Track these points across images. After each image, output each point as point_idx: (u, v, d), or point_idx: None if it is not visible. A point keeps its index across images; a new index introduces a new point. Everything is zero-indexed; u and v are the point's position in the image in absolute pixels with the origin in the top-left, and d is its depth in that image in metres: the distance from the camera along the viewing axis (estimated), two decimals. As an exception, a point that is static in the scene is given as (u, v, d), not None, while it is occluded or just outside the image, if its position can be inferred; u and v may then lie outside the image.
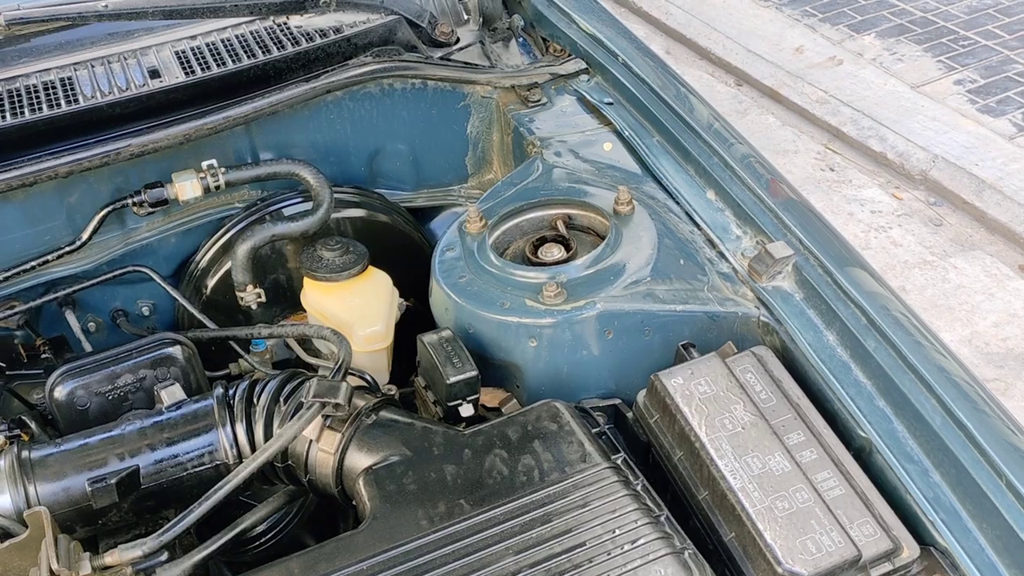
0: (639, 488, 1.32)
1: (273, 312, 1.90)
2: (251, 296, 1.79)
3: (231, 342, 1.78)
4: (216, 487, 1.31)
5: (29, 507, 1.32)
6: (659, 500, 1.33)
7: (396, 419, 1.43)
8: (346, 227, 1.92)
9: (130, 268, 1.81)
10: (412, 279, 1.85)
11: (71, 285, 1.78)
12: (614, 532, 1.26)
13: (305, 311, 1.84)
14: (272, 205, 1.89)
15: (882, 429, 1.36)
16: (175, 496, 1.45)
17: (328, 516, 1.72)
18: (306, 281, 1.77)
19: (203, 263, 1.88)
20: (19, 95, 1.72)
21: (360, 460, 1.38)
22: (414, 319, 1.84)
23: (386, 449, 1.38)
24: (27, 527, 1.26)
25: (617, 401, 1.54)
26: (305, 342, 1.78)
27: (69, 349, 1.80)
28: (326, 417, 1.39)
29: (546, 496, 1.30)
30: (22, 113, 1.69)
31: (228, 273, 1.83)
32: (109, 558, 1.23)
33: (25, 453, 1.38)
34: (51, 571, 1.18)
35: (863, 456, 1.36)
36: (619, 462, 1.36)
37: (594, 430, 1.42)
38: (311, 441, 1.40)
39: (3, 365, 1.71)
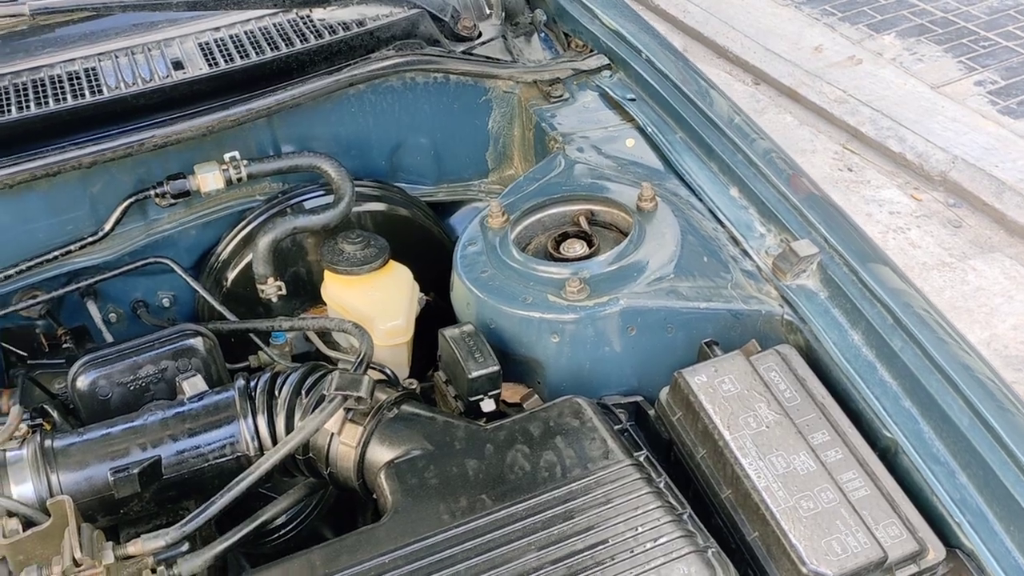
0: (662, 485, 1.32)
1: (293, 305, 1.90)
2: (271, 289, 1.79)
3: (251, 334, 1.78)
4: (238, 479, 1.31)
5: (52, 496, 1.32)
6: (682, 498, 1.32)
7: (418, 413, 1.42)
8: (366, 221, 1.92)
9: (151, 259, 1.81)
10: (432, 274, 1.85)
11: (93, 275, 1.78)
12: (636, 530, 1.25)
13: (325, 304, 1.84)
14: (293, 198, 1.89)
15: (908, 430, 1.35)
16: (196, 487, 1.44)
17: (348, 509, 1.72)
18: (327, 274, 1.77)
19: (224, 255, 1.88)
20: (43, 85, 1.73)
21: (382, 454, 1.37)
22: (434, 314, 1.83)
23: (408, 443, 1.37)
24: (50, 516, 1.27)
25: (639, 398, 1.53)
26: (325, 335, 1.78)
27: (90, 339, 1.80)
28: (348, 410, 1.39)
29: (568, 492, 1.29)
30: (47, 103, 1.69)
31: (249, 265, 1.83)
32: (132, 548, 1.23)
33: (48, 442, 1.38)
34: (74, 560, 1.18)
35: (888, 457, 1.35)
36: (641, 459, 1.36)
37: (616, 427, 1.42)
38: (333, 434, 1.39)
39: (25, 354, 1.72)
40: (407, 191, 2.03)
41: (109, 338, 1.79)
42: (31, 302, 1.72)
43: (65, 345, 1.75)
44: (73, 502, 1.24)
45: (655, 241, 1.60)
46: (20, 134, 1.65)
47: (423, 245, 1.96)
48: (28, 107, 1.67)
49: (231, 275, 1.86)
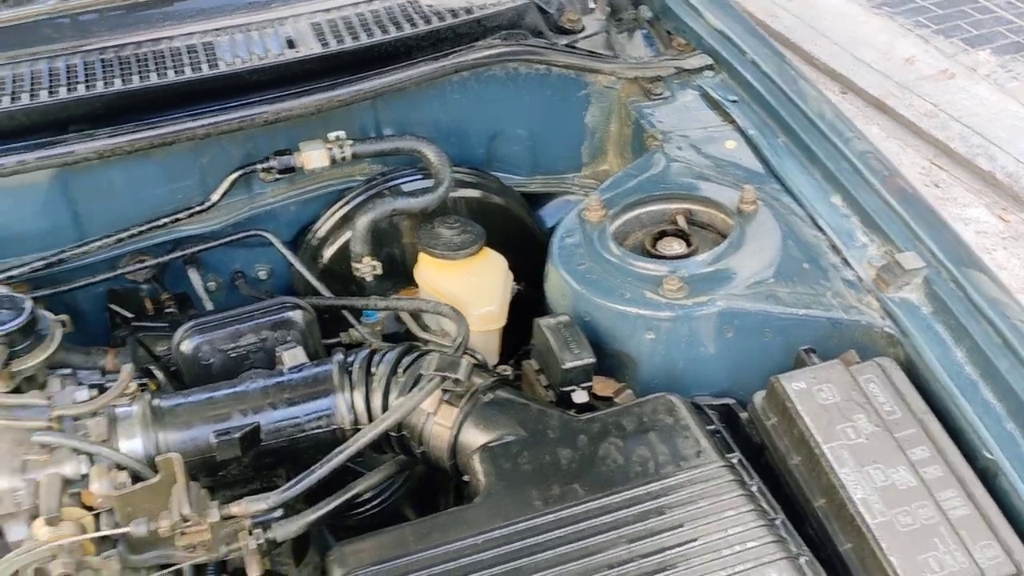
0: (755, 490, 1.31)
1: (385, 286, 1.92)
2: (367, 268, 1.82)
3: (344, 311, 1.81)
4: (339, 449, 1.34)
5: (158, 453, 1.37)
6: (775, 503, 1.31)
7: (513, 399, 1.44)
8: (461, 206, 1.93)
9: (253, 232, 1.86)
10: (522, 263, 1.86)
11: (197, 244, 1.83)
12: (727, 531, 1.25)
13: (416, 286, 1.86)
14: (392, 180, 1.92)
15: (1010, 452, 1.32)
16: (290, 456, 1.48)
17: (430, 491, 1.74)
18: (422, 257, 1.80)
19: (321, 232, 1.91)
20: (163, 57, 1.78)
21: (476, 437, 1.39)
22: (522, 303, 1.84)
23: (502, 428, 1.39)
24: (156, 472, 1.31)
25: (731, 401, 1.52)
26: (416, 317, 1.80)
27: (191, 306, 1.85)
28: (445, 392, 1.41)
29: (660, 488, 1.30)
30: (166, 74, 1.74)
31: (345, 244, 1.86)
32: (235, 508, 1.28)
33: (156, 401, 1.43)
34: (182, 516, 1.22)
35: (987, 478, 1.32)
36: (734, 461, 1.35)
37: (708, 427, 1.41)
38: (429, 414, 1.42)
39: (131, 316, 1.77)
40: (501, 180, 2.05)
41: (209, 305, 1.84)
42: (139, 266, 1.78)
43: (168, 310, 1.80)
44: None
45: (755, 244, 1.59)
46: (141, 103, 1.71)
47: (515, 234, 1.97)
48: (149, 77, 1.73)
49: (327, 252, 1.90)
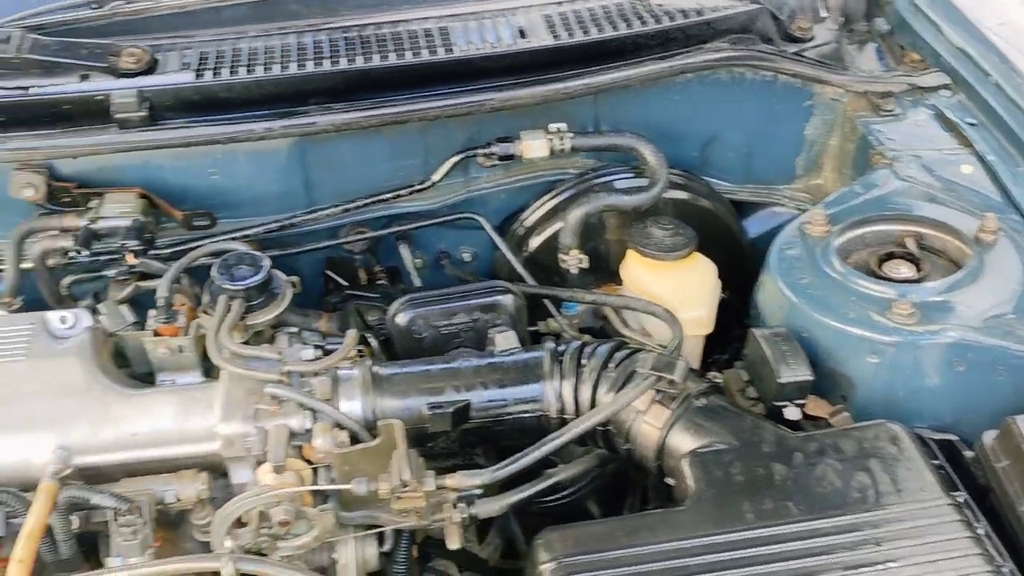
0: (982, 533, 1.24)
1: (587, 280, 1.93)
2: (574, 260, 1.83)
3: (546, 301, 1.82)
4: (552, 436, 1.36)
5: (374, 418, 1.42)
6: (1004, 551, 1.24)
7: (726, 407, 1.42)
8: (669, 207, 1.91)
9: (465, 215, 1.90)
10: (725, 270, 1.82)
11: (412, 221, 1.89)
12: (948, 573, 1.19)
13: (617, 283, 1.86)
14: (603, 176, 1.92)
15: None
16: (493, 436, 1.51)
17: (618, 489, 1.74)
18: (631, 255, 1.79)
19: (529, 221, 1.94)
20: (401, 39, 1.84)
21: (685, 441, 1.38)
22: (725, 312, 1.81)
23: (713, 435, 1.37)
24: (373, 435, 1.36)
25: (955, 437, 1.44)
26: (618, 313, 1.79)
27: (400, 280, 1.92)
28: (658, 392, 1.40)
29: (880, 518, 1.25)
30: (403, 56, 1.80)
31: (553, 235, 1.87)
32: (450, 480, 1.31)
33: (376, 368, 1.48)
34: (402, 480, 1.27)
35: None
36: (961, 501, 1.28)
37: (933, 462, 1.35)
38: (639, 412, 1.41)
39: (346, 284, 1.85)
40: (711, 185, 2.02)
41: (418, 282, 1.90)
42: (358, 237, 1.85)
43: (380, 281, 1.87)
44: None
45: (994, 276, 1.51)
46: (378, 81, 1.76)
47: (721, 240, 1.93)
48: (387, 57, 1.79)
49: (534, 242, 1.92)
